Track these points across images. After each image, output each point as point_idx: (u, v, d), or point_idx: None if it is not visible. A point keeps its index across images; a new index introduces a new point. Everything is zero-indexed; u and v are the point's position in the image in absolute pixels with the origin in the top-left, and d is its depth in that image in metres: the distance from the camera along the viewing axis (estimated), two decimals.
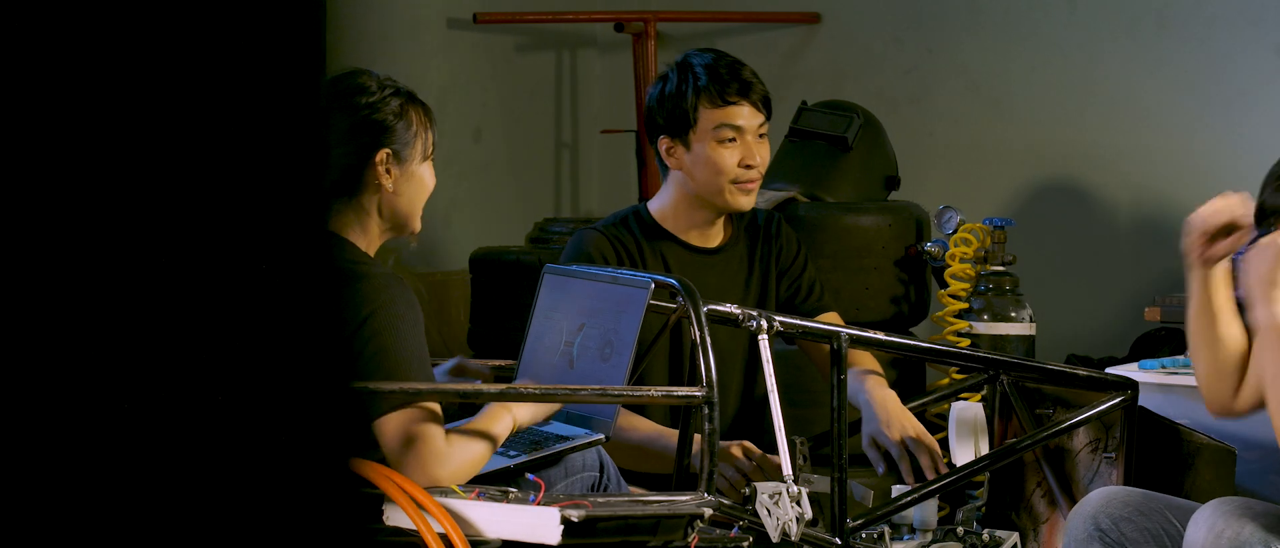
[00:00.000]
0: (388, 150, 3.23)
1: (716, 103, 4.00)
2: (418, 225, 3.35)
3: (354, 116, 3.25)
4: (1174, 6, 5.32)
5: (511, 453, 3.33)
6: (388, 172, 3.25)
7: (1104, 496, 3.39)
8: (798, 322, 3.62)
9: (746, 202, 4.05)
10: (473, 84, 5.91)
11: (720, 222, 4.10)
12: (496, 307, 5.14)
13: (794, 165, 5.05)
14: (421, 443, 3.02)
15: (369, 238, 3.30)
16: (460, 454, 3.07)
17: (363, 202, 3.27)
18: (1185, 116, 5.31)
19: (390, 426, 3.06)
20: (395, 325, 3.14)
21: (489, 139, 5.92)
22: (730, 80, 4.02)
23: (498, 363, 3.77)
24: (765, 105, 4.06)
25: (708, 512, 2.99)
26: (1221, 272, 3.47)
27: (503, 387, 3.22)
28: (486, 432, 3.14)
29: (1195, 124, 5.28)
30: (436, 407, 3.10)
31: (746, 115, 4.03)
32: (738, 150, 4.02)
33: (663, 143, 4.06)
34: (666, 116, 4.04)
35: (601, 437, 3.39)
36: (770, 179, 5.06)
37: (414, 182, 3.29)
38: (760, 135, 4.05)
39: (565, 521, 2.80)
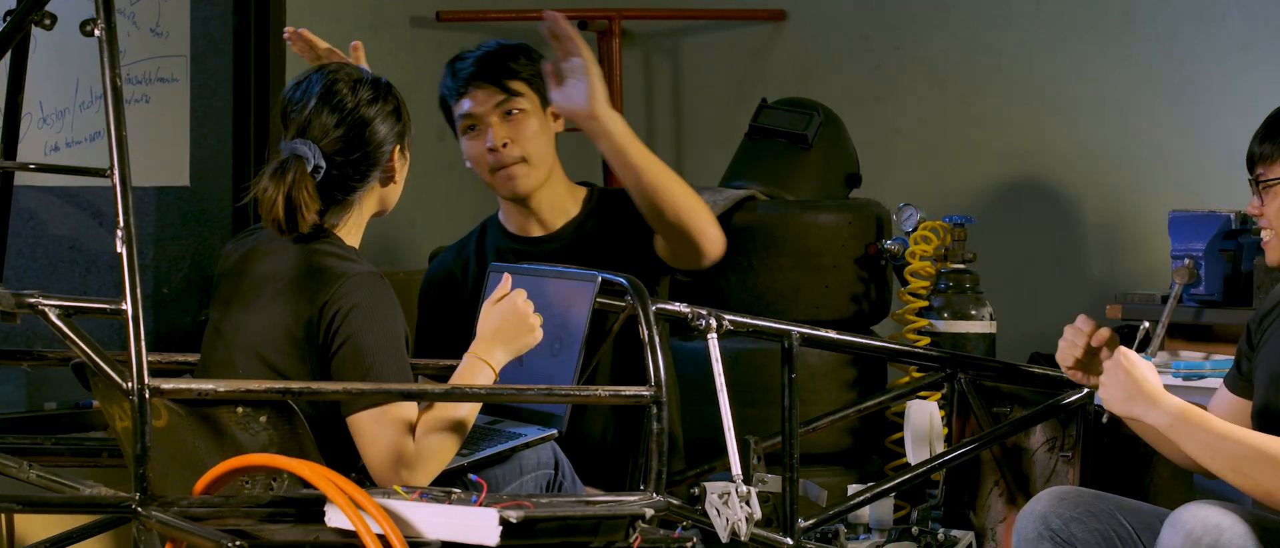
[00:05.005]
0: (399, 146, 3.35)
1: (453, 98, 3.97)
2: None
3: (357, 124, 3.30)
4: (1139, 3, 5.30)
5: (463, 451, 3.32)
6: (398, 166, 3.36)
7: (1054, 495, 3.37)
8: (749, 321, 3.59)
9: (513, 185, 3.93)
10: (437, 83, 5.87)
11: (534, 212, 4.01)
12: None
13: (753, 164, 5.03)
14: (408, 468, 3.11)
15: (358, 231, 3.37)
16: (439, 444, 3.15)
17: (362, 197, 3.35)
18: (1150, 113, 5.30)
19: (374, 445, 3.12)
20: (368, 324, 3.17)
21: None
22: (460, 72, 3.94)
23: (449, 363, 3.75)
24: (497, 78, 3.91)
25: (650, 512, 2.98)
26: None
27: (446, 386, 3.21)
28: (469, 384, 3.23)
29: (1160, 121, 5.27)
30: (410, 414, 3.13)
31: (479, 99, 3.92)
32: (481, 138, 3.94)
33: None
34: (447, 122, 4.05)
35: (554, 432, 3.38)
36: (730, 178, 5.04)
37: (407, 164, 3.40)
38: (507, 112, 3.92)
39: (504, 521, 2.80)
